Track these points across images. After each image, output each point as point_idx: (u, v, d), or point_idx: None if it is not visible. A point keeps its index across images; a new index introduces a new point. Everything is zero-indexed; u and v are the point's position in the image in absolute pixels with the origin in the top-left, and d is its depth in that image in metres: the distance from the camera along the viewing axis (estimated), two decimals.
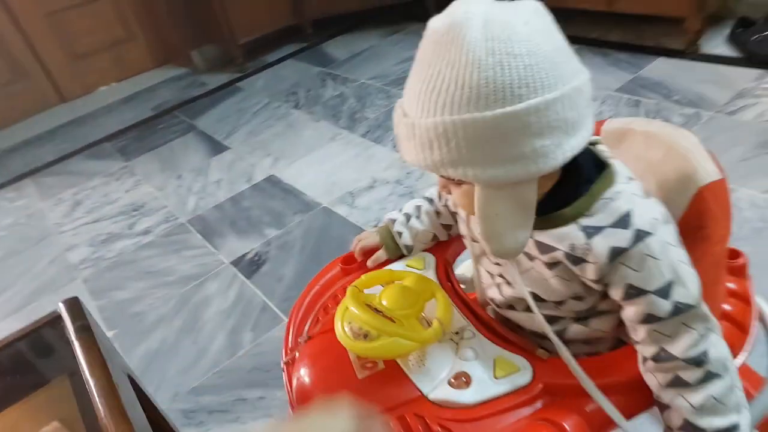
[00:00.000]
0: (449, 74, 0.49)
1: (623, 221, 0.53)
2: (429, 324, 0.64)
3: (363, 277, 0.70)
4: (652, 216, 0.54)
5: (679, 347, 0.54)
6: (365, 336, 0.62)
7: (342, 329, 0.63)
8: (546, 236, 0.57)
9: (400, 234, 0.78)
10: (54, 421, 0.58)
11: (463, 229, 0.70)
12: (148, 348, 1.41)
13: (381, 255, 0.78)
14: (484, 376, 0.60)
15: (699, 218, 0.63)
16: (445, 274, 0.74)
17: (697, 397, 0.54)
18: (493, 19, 0.48)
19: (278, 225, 1.75)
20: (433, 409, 0.58)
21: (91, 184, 2.28)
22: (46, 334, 0.64)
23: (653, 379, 0.56)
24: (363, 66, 2.69)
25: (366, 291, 0.68)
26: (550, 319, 0.61)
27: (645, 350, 0.56)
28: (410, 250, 0.78)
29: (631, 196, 0.55)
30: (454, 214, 0.76)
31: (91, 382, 0.55)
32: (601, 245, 0.53)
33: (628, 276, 0.54)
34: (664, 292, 0.53)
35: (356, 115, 2.27)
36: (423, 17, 0.61)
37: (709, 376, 0.53)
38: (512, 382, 0.59)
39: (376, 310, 0.62)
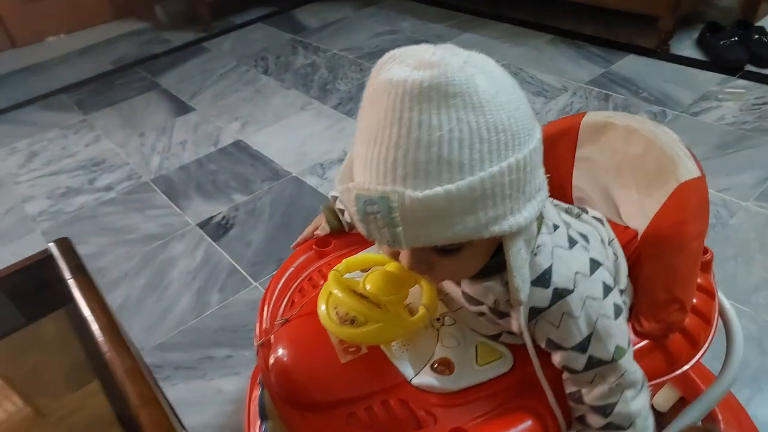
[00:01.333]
0: (473, 121, 0.42)
1: (543, 279, 0.53)
2: (413, 310, 0.64)
3: (343, 261, 0.69)
4: (575, 270, 0.54)
5: (591, 395, 0.57)
6: (352, 321, 0.61)
7: (326, 313, 0.62)
8: (472, 288, 0.59)
9: (342, 212, 0.80)
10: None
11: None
12: (111, 303, 1.38)
13: (324, 228, 0.81)
14: (466, 362, 0.61)
15: (679, 212, 0.64)
16: None
17: None
18: (473, 58, 0.45)
19: (246, 191, 1.74)
20: (417, 394, 0.59)
21: (47, 135, 2.19)
22: (37, 273, 0.65)
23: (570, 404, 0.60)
24: (335, 37, 2.67)
25: (346, 275, 0.67)
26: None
27: (565, 386, 0.59)
28: (351, 226, 0.79)
29: (554, 250, 0.54)
30: None
31: (91, 319, 0.56)
32: (514, 304, 0.53)
33: (548, 331, 0.55)
34: (581, 347, 0.54)
35: (328, 86, 2.27)
36: None
37: (611, 426, 0.57)
38: (494, 369, 0.61)
39: (362, 296, 0.62)
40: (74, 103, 2.43)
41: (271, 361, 0.65)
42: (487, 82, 0.44)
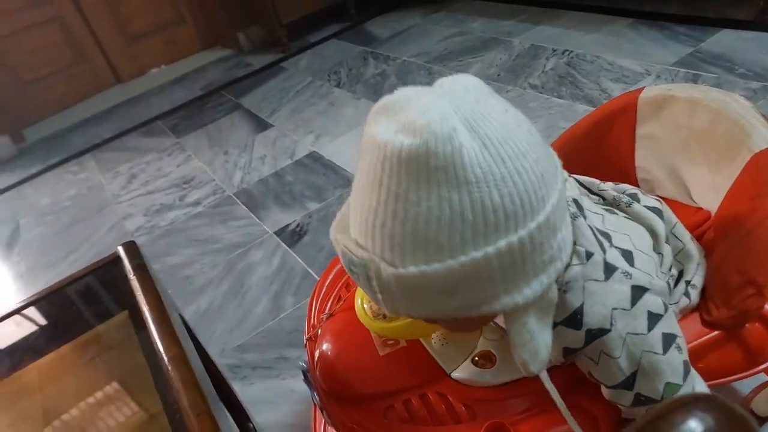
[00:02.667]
0: (456, 201, 0.37)
1: (574, 320, 0.47)
2: None
3: None
4: (611, 306, 0.47)
5: (639, 413, 0.51)
6: (384, 316, 0.61)
7: (362, 307, 0.62)
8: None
9: None
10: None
11: None
12: (197, 308, 1.50)
13: None
14: (509, 356, 0.56)
15: (754, 186, 0.58)
16: None
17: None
18: (474, 118, 0.39)
19: (319, 199, 1.80)
20: (456, 388, 0.58)
21: (145, 159, 2.41)
22: (108, 273, 0.71)
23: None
24: (405, 44, 2.71)
25: None
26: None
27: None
28: None
29: (586, 285, 0.47)
30: None
31: (147, 313, 0.61)
32: (554, 345, 0.47)
33: (588, 365, 0.51)
34: (626, 384, 0.49)
35: None
36: None
37: None
38: None
39: None
40: (168, 128, 2.64)
41: (316, 354, 0.66)
42: (481, 154, 0.38)
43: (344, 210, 0.49)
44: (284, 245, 1.64)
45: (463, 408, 0.57)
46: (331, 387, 0.63)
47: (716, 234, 0.63)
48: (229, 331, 1.40)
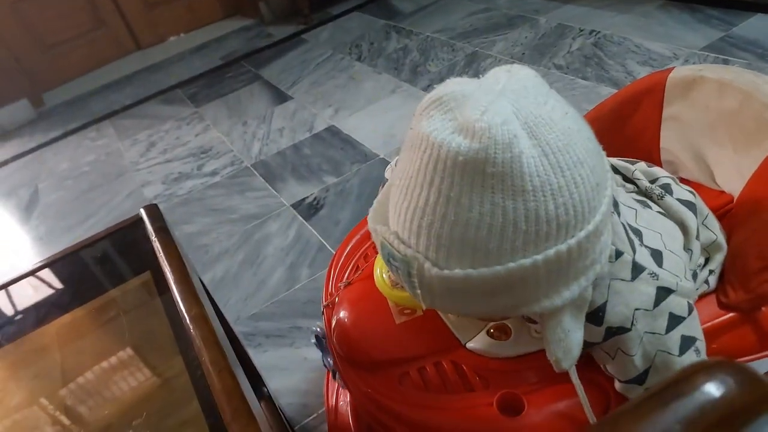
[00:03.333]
0: (510, 208, 0.37)
1: (595, 317, 0.47)
2: None
3: None
4: (634, 307, 0.47)
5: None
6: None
7: (381, 276, 0.63)
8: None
9: None
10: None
11: None
12: (213, 276, 1.51)
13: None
14: (524, 329, 0.58)
15: None
16: None
17: None
18: (536, 123, 0.38)
19: (337, 173, 1.80)
20: (470, 358, 0.58)
21: (164, 127, 2.41)
22: (130, 234, 0.72)
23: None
24: (429, 19, 2.66)
25: None
26: None
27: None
28: None
29: (611, 284, 0.47)
30: None
31: (169, 274, 0.62)
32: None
33: (604, 359, 0.51)
34: (638, 380, 0.49)
35: (419, 68, 2.27)
36: None
37: None
38: None
39: None
40: (187, 96, 2.64)
41: (333, 321, 0.67)
42: (540, 163, 0.37)
43: (381, 199, 0.47)
44: (300, 218, 1.65)
45: (477, 378, 0.57)
46: (348, 353, 0.64)
47: (738, 217, 0.62)
48: (244, 300, 1.41)
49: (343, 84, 2.33)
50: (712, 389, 0.24)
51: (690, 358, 0.48)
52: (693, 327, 0.50)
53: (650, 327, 0.47)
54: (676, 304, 0.49)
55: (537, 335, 0.58)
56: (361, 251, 0.77)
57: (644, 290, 0.48)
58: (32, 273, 0.71)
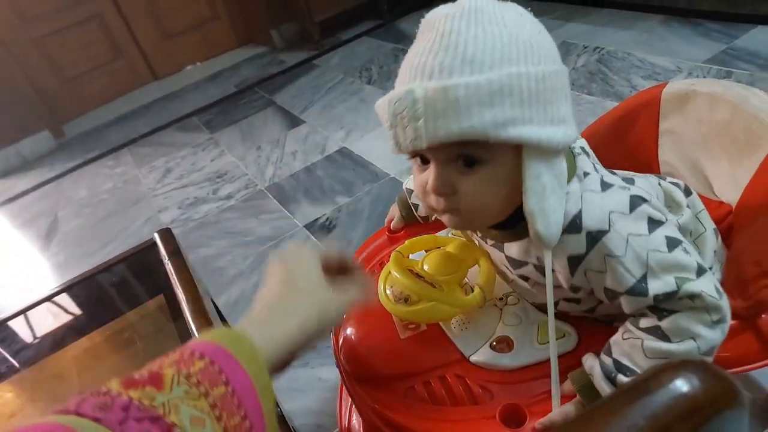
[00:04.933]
0: (497, 31, 0.47)
1: (574, 225, 0.50)
2: (471, 290, 0.63)
3: (407, 242, 0.71)
4: (608, 210, 0.50)
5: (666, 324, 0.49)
6: (406, 300, 0.63)
7: (384, 292, 0.64)
8: (514, 249, 0.57)
9: (416, 207, 0.80)
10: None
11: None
12: (228, 299, 1.54)
13: (397, 221, 0.82)
14: (527, 341, 0.60)
15: None
16: None
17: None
18: (512, 7, 0.50)
19: (348, 193, 1.83)
20: (474, 371, 0.59)
21: (180, 153, 2.47)
22: (144, 258, 0.74)
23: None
24: None
25: (411, 256, 0.69)
26: (576, 300, 0.59)
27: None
28: (426, 219, 0.81)
29: (583, 195, 0.51)
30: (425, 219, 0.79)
31: (181, 295, 0.64)
32: (559, 255, 0.51)
33: (599, 280, 0.52)
34: (640, 290, 0.49)
35: None
36: None
37: (656, 331, 0.50)
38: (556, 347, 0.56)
39: (418, 275, 0.63)
40: (203, 123, 2.70)
41: (341, 339, 0.68)
42: (514, 14, 0.49)
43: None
44: (314, 238, 1.67)
45: (480, 390, 0.58)
46: (354, 369, 0.65)
47: (735, 226, 0.64)
48: None
49: (354, 106, 2.37)
50: (678, 386, 0.25)
51: (680, 254, 0.49)
52: (675, 232, 0.51)
53: (632, 229, 0.50)
54: (651, 210, 0.51)
55: (539, 346, 0.60)
56: (368, 268, 0.79)
57: (616, 197, 0.51)
58: (48, 299, 0.73)
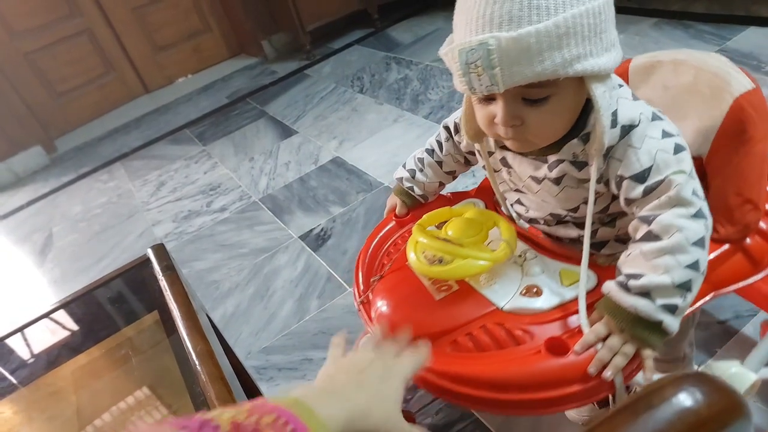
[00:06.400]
0: None
1: (613, 120, 0.59)
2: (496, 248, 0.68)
3: (425, 216, 0.76)
4: (639, 111, 0.60)
5: (641, 210, 0.59)
6: (440, 261, 0.67)
7: (417, 259, 0.68)
8: (554, 156, 0.64)
9: (412, 189, 0.86)
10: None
11: (493, 163, 0.74)
12: (224, 312, 1.53)
13: (401, 209, 0.87)
14: (553, 285, 0.65)
15: (738, 125, 0.67)
16: (496, 210, 0.81)
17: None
18: None
19: (342, 203, 1.82)
20: (511, 318, 0.63)
21: (173, 166, 2.46)
22: (138, 274, 0.74)
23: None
24: (427, 49, 2.72)
25: (428, 228, 0.75)
26: (581, 225, 0.67)
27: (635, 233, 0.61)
28: (425, 198, 0.87)
29: (619, 100, 0.60)
30: (463, 158, 0.84)
31: (175, 311, 0.63)
32: (596, 147, 0.59)
33: (616, 168, 0.60)
34: (640, 177, 0.58)
35: (419, 97, 2.31)
36: None
37: (649, 236, 0.58)
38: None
39: (445, 240, 0.68)
40: (195, 136, 2.70)
41: (373, 313, 0.70)
42: None
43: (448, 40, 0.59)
44: (309, 249, 1.66)
45: (521, 332, 0.62)
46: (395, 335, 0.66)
47: (711, 168, 0.72)
48: (255, 334, 1.42)
49: (347, 116, 2.37)
50: (681, 400, 0.25)
51: (683, 155, 0.58)
52: (683, 142, 0.60)
53: (649, 132, 0.59)
54: (666, 126, 0.60)
55: (565, 288, 0.64)
56: (383, 250, 0.82)
57: (643, 108, 0.61)
58: (42, 317, 0.72)
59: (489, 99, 0.58)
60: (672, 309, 0.55)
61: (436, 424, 1.04)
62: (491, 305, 0.65)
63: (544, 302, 0.63)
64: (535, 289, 0.65)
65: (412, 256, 0.68)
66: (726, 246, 0.69)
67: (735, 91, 0.67)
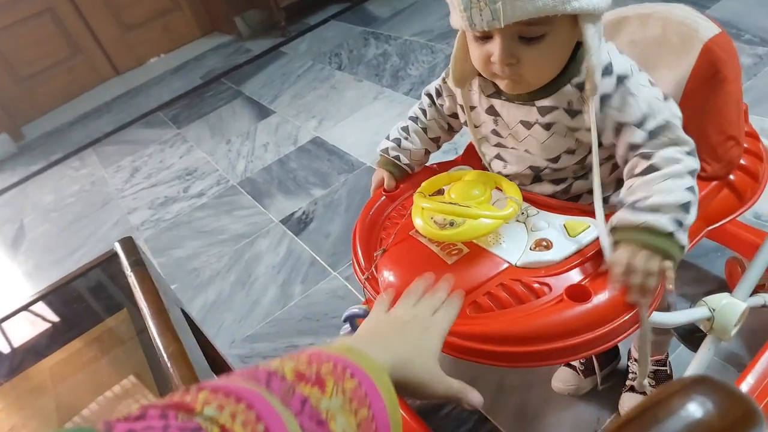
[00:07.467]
0: None
1: (607, 70, 0.62)
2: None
3: (424, 184, 0.74)
4: (629, 63, 0.64)
5: (642, 148, 0.62)
6: (451, 224, 0.66)
7: (426, 224, 0.67)
8: (547, 101, 0.65)
9: (398, 158, 0.83)
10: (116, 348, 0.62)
11: (475, 118, 0.75)
12: (205, 300, 1.48)
13: (390, 182, 0.84)
14: (561, 237, 0.65)
15: (711, 67, 0.70)
16: None
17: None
18: None
19: (324, 185, 1.77)
20: (526, 273, 0.63)
21: (147, 151, 2.38)
22: (106, 270, 0.69)
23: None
24: (406, 23, 2.65)
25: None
26: (556, 181, 0.71)
27: (634, 170, 0.64)
28: (411, 167, 0.85)
29: (609, 51, 0.63)
30: (446, 123, 0.84)
31: (145, 310, 0.59)
32: (589, 87, 0.60)
33: (613, 116, 0.63)
34: (640, 122, 0.62)
35: (399, 73, 2.25)
36: None
37: (652, 168, 0.61)
38: (586, 236, 0.64)
39: (451, 203, 0.67)
40: (169, 119, 2.61)
41: (382, 286, 0.68)
42: None
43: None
44: (290, 233, 1.62)
45: (538, 285, 0.61)
46: None
47: (689, 110, 0.71)
48: (239, 322, 1.38)
49: (325, 94, 2.31)
50: (691, 411, 0.22)
51: (671, 104, 0.63)
52: (660, 91, 0.64)
53: (641, 81, 0.63)
54: (649, 75, 0.65)
55: (573, 238, 0.65)
56: (379, 224, 0.79)
57: (628, 60, 0.64)
58: (7, 318, 0.68)
59: (486, 38, 0.60)
60: (679, 223, 0.58)
61: (425, 404, 1.02)
62: (504, 262, 0.64)
63: (555, 254, 0.63)
64: (544, 243, 0.65)
65: (419, 222, 0.67)
66: (714, 183, 0.73)
67: (704, 37, 0.70)
